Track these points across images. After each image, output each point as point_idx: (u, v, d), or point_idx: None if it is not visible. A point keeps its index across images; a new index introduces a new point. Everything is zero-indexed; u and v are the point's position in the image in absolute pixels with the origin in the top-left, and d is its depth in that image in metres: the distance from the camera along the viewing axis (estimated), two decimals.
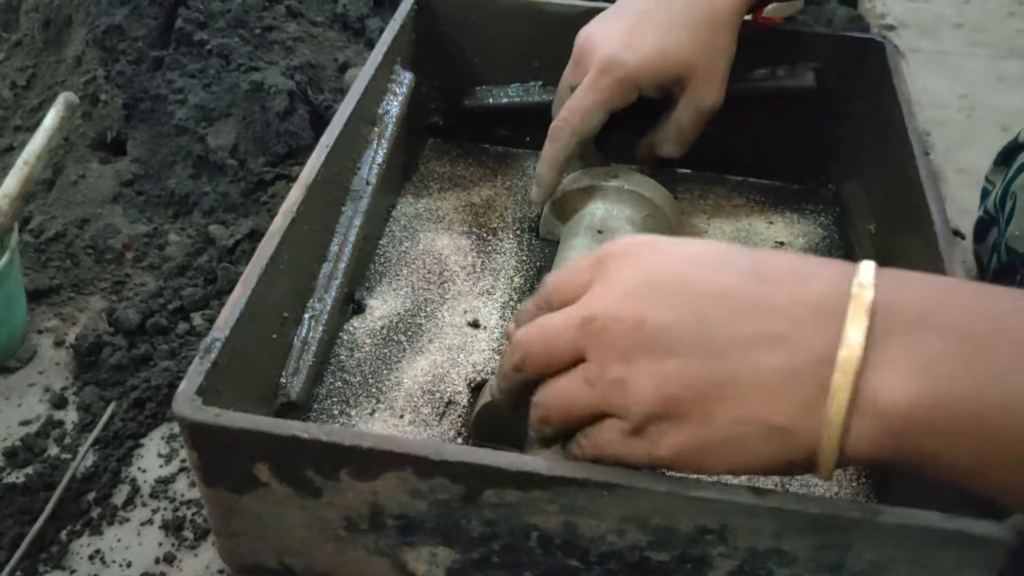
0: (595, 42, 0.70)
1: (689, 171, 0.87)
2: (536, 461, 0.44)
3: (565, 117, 0.70)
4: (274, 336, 0.57)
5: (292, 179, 0.92)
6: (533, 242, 0.78)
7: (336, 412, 0.62)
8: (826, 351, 0.36)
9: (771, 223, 0.81)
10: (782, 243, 0.79)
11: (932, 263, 0.58)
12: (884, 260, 0.68)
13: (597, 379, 0.41)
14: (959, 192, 1.04)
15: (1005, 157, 0.80)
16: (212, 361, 0.48)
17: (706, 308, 0.39)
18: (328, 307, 0.62)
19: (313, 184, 0.60)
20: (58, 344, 0.80)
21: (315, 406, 0.63)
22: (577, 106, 0.69)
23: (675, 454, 0.40)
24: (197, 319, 0.82)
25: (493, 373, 0.61)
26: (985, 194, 0.83)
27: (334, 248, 0.65)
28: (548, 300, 0.45)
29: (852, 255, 0.74)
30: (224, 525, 0.50)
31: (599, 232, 0.71)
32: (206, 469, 0.47)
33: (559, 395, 0.44)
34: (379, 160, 0.69)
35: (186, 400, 0.45)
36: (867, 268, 0.38)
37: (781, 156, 0.84)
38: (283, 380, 0.58)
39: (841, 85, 0.79)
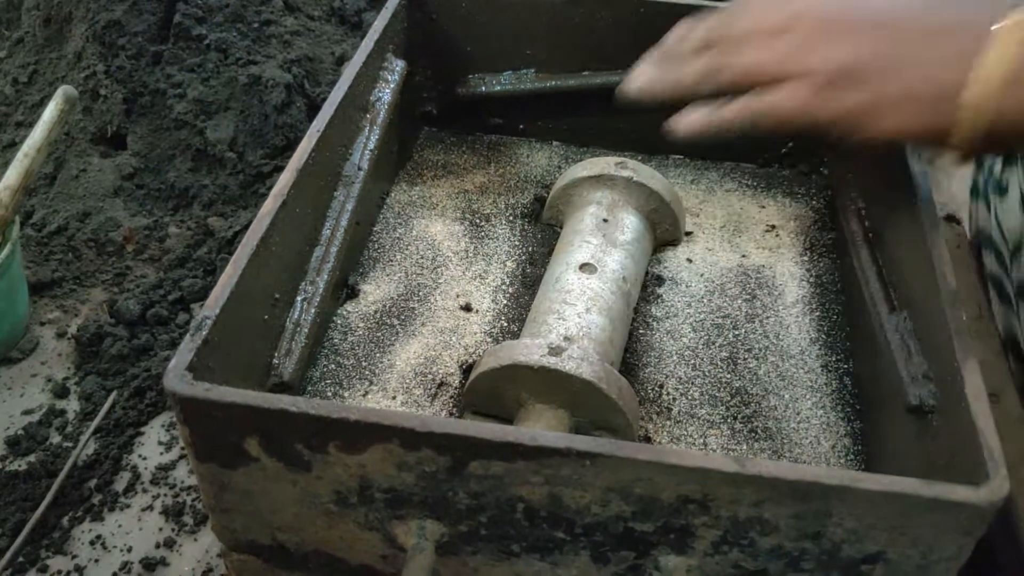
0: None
1: (681, 157, 0.87)
2: (519, 431, 0.45)
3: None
4: (266, 317, 0.58)
5: None
6: (525, 228, 0.79)
7: (329, 394, 0.63)
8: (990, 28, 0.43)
9: (763, 207, 0.82)
10: (774, 226, 0.80)
11: (918, 242, 0.58)
12: (874, 241, 0.69)
13: (798, 45, 0.47)
14: (955, 180, 1.04)
15: None
16: (203, 339, 0.48)
17: (904, 4, 0.47)
18: (320, 290, 0.63)
19: (304, 168, 0.60)
20: (60, 335, 0.81)
21: (308, 388, 0.64)
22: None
23: (852, 108, 0.46)
24: (197, 310, 0.83)
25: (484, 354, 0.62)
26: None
27: (326, 232, 0.65)
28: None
29: (843, 237, 0.75)
30: (217, 501, 0.51)
31: (604, 221, 0.71)
32: (198, 445, 0.48)
33: (755, 58, 0.49)
34: (371, 147, 0.70)
35: (176, 375, 0.46)
36: None
37: (772, 140, 0.85)
38: (275, 361, 0.59)
39: None
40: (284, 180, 0.59)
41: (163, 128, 0.95)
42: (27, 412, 0.74)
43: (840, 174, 0.78)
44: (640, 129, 0.87)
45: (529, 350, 0.58)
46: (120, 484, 0.69)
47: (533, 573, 0.50)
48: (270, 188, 0.94)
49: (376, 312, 0.70)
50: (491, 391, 0.60)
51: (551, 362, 0.57)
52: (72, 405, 0.75)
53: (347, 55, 1.05)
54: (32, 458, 0.70)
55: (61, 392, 0.76)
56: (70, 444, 0.71)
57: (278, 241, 0.57)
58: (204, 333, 0.48)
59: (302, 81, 0.98)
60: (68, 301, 0.84)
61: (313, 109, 0.98)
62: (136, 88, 0.96)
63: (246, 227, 0.89)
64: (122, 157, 0.96)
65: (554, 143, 0.88)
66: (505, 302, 0.71)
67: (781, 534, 0.46)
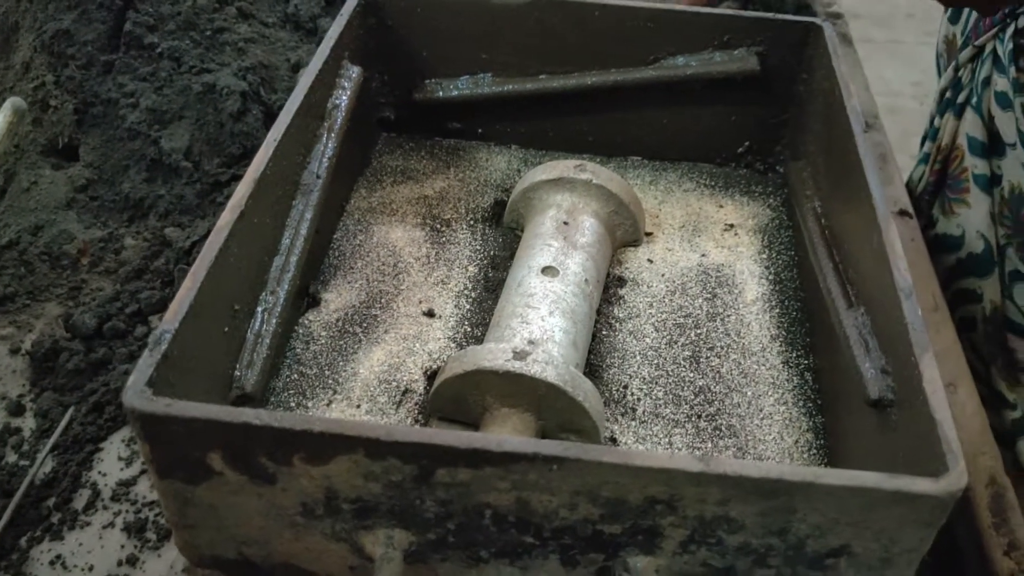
0: None
1: (639, 158, 0.88)
2: (486, 438, 0.45)
3: None
4: (226, 329, 0.58)
5: None
6: (486, 232, 0.79)
7: (293, 404, 0.63)
8: None
9: (721, 206, 0.83)
10: (732, 225, 0.80)
11: (873, 238, 0.59)
12: (830, 238, 0.70)
13: None
14: (913, 176, 1.06)
15: None
16: (162, 353, 0.48)
17: None
18: (281, 300, 0.62)
19: (261, 178, 0.60)
20: (14, 351, 0.79)
21: (272, 399, 0.63)
22: None
23: None
24: (155, 322, 0.82)
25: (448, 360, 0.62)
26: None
27: (286, 242, 0.65)
28: None
29: (799, 235, 0.76)
30: (180, 517, 0.50)
31: (565, 223, 0.72)
32: (159, 461, 0.47)
33: None
34: (329, 154, 0.70)
35: (136, 392, 0.45)
36: None
37: (728, 140, 0.86)
38: (237, 373, 0.59)
39: (784, 69, 0.81)
40: (241, 191, 0.58)
41: (116, 138, 0.94)
42: None
43: (796, 172, 0.79)
44: (598, 131, 0.87)
45: (493, 355, 0.58)
46: (79, 502, 0.68)
47: None
48: (228, 197, 0.93)
49: (338, 320, 0.69)
50: (456, 397, 0.60)
51: (516, 366, 0.57)
52: (28, 423, 0.73)
53: (303, 61, 1.04)
54: None
55: (16, 410, 0.74)
56: (27, 463, 0.70)
57: (236, 252, 0.57)
58: (163, 348, 0.48)
59: (258, 88, 0.97)
60: (22, 316, 0.82)
61: (270, 116, 0.97)
62: (87, 98, 0.94)
63: (204, 237, 0.88)
64: (74, 168, 0.94)
65: (513, 147, 0.89)
66: (468, 307, 0.71)
67: (747, 531, 0.46)
